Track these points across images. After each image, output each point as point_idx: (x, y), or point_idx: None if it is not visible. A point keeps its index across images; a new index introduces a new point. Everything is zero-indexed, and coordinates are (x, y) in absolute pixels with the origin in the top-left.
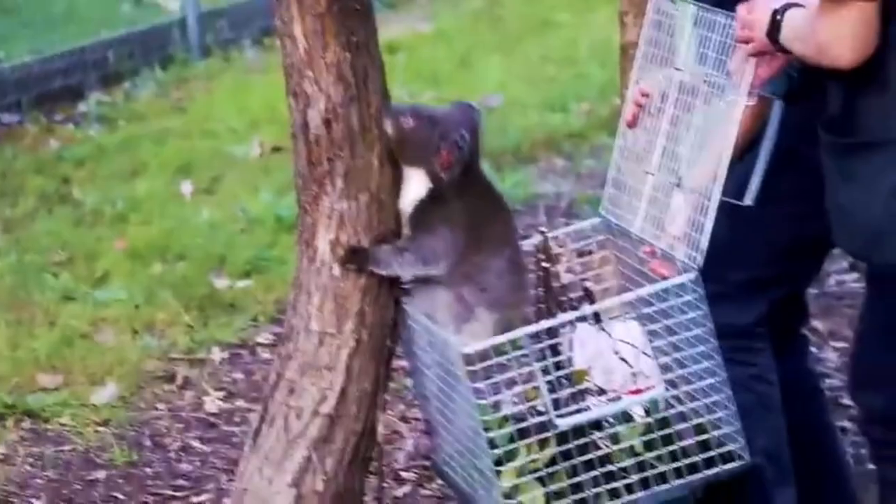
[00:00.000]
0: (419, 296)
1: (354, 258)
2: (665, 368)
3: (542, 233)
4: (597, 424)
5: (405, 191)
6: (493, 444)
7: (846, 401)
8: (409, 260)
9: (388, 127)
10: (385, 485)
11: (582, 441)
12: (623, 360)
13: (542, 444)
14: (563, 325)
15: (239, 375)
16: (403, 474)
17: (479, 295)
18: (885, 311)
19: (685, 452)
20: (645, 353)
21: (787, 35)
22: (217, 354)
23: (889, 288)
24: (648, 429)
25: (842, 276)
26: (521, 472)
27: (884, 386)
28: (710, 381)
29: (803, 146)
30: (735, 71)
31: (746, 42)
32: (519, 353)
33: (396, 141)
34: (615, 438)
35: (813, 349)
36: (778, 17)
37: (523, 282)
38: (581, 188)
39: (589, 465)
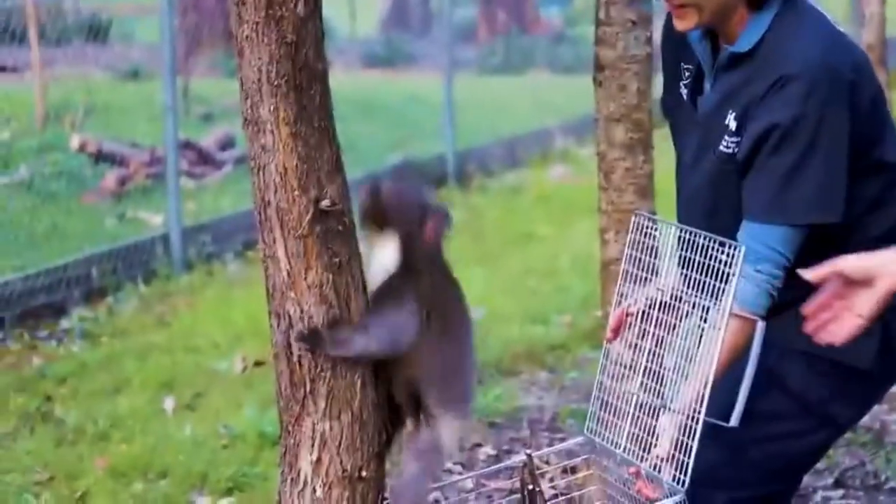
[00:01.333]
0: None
1: (311, 340)
2: None
3: (528, 454)
4: None
5: (375, 260)
6: None
7: None
8: (376, 337)
9: (368, 192)
10: None
11: None
12: None
13: None
14: None
15: None
16: None
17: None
18: None
19: None
20: None
21: None
22: None
23: None
24: None
25: (828, 493)
26: None
27: None
28: None
29: (785, 365)
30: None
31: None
32: None
33: (381, 203)
34: None
35: None
36: None
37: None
38: (565, 401)
39: None
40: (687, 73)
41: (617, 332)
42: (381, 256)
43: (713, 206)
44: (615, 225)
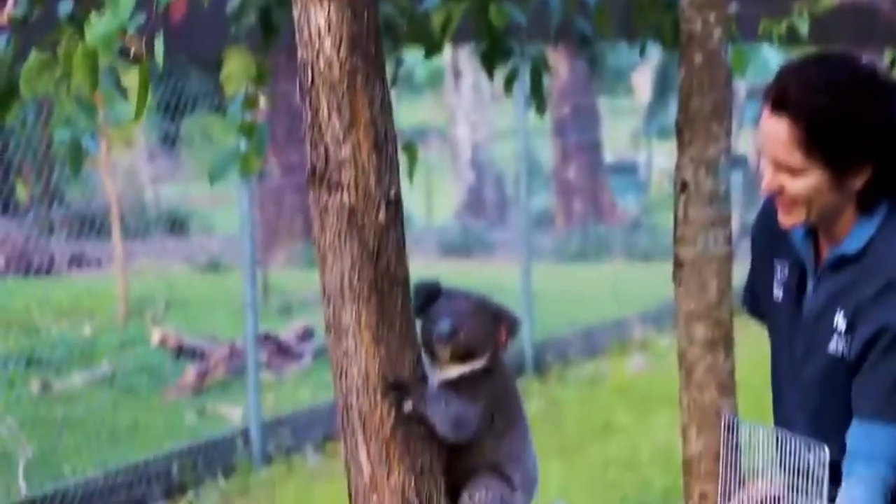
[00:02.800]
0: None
1: (397, 392)
2: None
3: None
4: None
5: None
6: None
7: None
8: (447, 419)
9: (448, 337)
10: None
11: None
12: None
13: None
14: None
15: None
16: None
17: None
18: None
19: None
20: None
21: None
22: None
23: None
24: None
25: None
26: None
27: None
28: None
29: None
30: None
31: None
32: None
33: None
34: None
35: None
36: None
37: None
38: None
39: None
40: (781, 270)
41: None
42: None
43: (820, 407)
44: (697, 422)
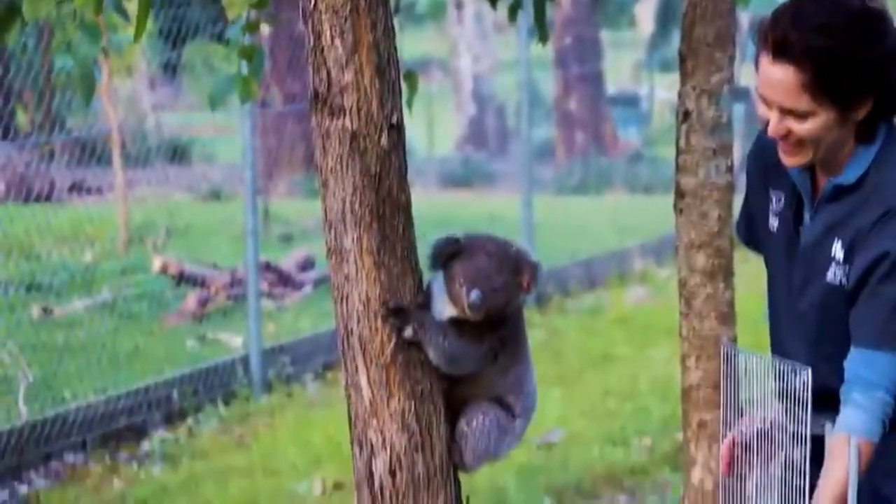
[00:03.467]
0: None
1: (396, 317)
2: None
3: None
4: None
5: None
6: None
7: None
8: (445, 352)
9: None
10: None
11: None
12: None
13: None
14: None
15: None
16: None
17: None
18: None
19: None
20: None
21: None
22: None
23: None
24: None
25: None
26: None
27: None
28: None
29: (890, 486)
30: None
31: None
32: None
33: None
34: None
35: None
36: None
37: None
38: None
39: None
40: (777, 201)
41: (730, 465)
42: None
43: (819, 335)
44: (696, 351)
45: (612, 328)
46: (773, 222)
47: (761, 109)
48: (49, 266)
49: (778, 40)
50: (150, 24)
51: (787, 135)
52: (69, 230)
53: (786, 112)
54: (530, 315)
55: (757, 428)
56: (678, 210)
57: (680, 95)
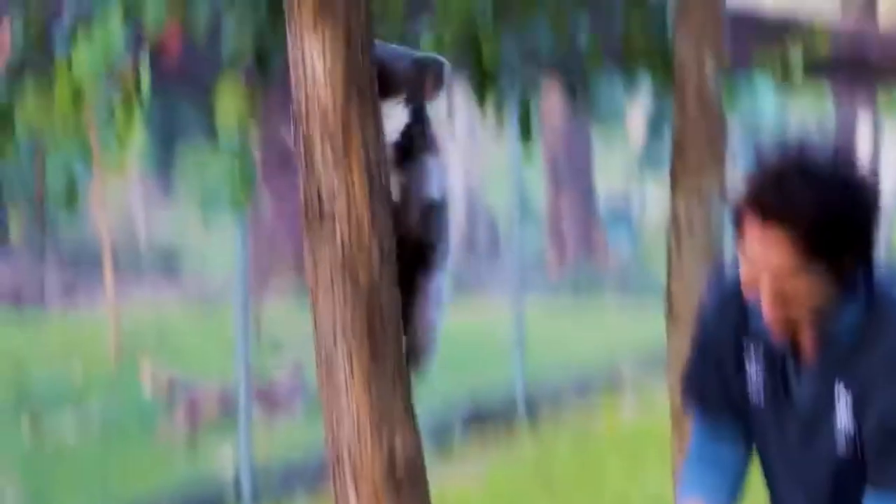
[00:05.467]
0: None
1: None
2: None
3: None
4: None
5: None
6: None
7: None
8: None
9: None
10: None
11: None
12: None
13: None
14: None
15: None
16: None
17: None
18: None
19: None
20: None
21: None
22: None
23: None
24: None
25: None
26: None
27: None
28: None
29: None
30: None
31: None
32: None
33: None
34: None
35: None
36: None
37: None
38: None
39: None
40: (755, 349)
41: None
42: (392, 122)
43: (835, 489)
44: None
45: (605, 449)
46: (752, 370)
47: (745, 269)
48: (40, 380)
49: (766, 204)
50: (137, 132)
51: (781, 293)
52: (59, 343)
53: (778, 272)
54: (521, 429)
55: None
56: (669, 318)
57: (671, 203)
